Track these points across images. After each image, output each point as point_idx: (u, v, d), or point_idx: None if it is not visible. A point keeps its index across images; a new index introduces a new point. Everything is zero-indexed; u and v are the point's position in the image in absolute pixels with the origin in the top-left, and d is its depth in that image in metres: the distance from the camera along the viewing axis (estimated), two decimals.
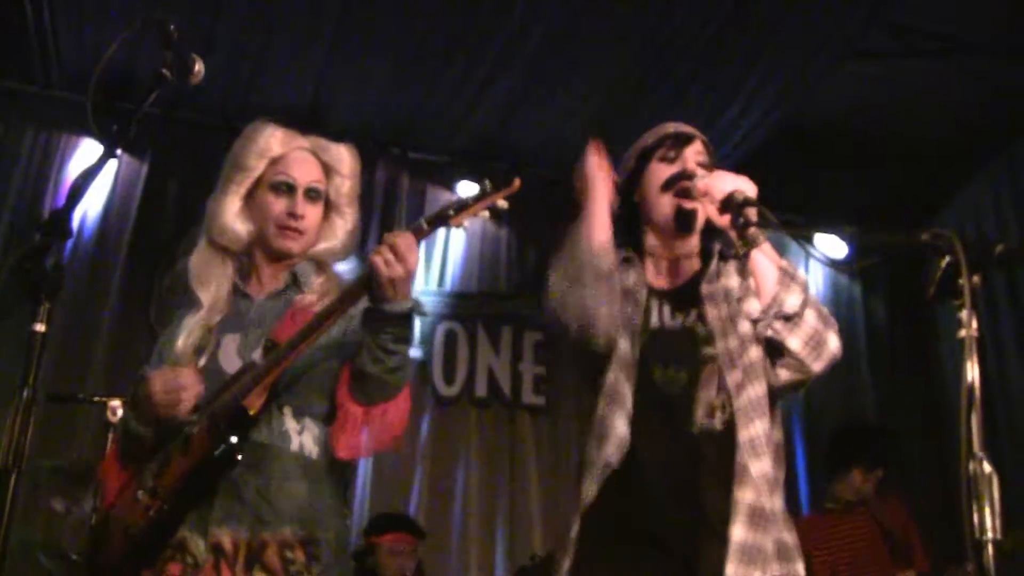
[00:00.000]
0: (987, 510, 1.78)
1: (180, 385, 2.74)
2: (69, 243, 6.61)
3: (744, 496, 2.70)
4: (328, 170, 3.03)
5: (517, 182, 2.64)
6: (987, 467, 1.80)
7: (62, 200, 2.23)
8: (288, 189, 2.94)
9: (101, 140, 2.32)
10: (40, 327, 2.10)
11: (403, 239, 2.60)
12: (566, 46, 6.32)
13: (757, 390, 2.81)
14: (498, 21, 6.14)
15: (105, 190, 7.06)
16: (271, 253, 2.99)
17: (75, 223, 2.22)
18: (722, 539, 2.66)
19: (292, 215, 2.93)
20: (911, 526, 5.84)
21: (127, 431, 2.91)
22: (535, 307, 7.31)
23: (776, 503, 2.77)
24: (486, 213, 2.68)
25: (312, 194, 2.97)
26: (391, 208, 7.61)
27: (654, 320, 2.93)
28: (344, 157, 3.06)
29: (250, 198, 3.00)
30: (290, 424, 2.79)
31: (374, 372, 2.68)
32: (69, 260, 6.79)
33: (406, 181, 7.76)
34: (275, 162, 2.97)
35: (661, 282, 3.04)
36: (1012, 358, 7.23)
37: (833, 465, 5.94)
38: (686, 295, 2.97)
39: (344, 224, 3.07)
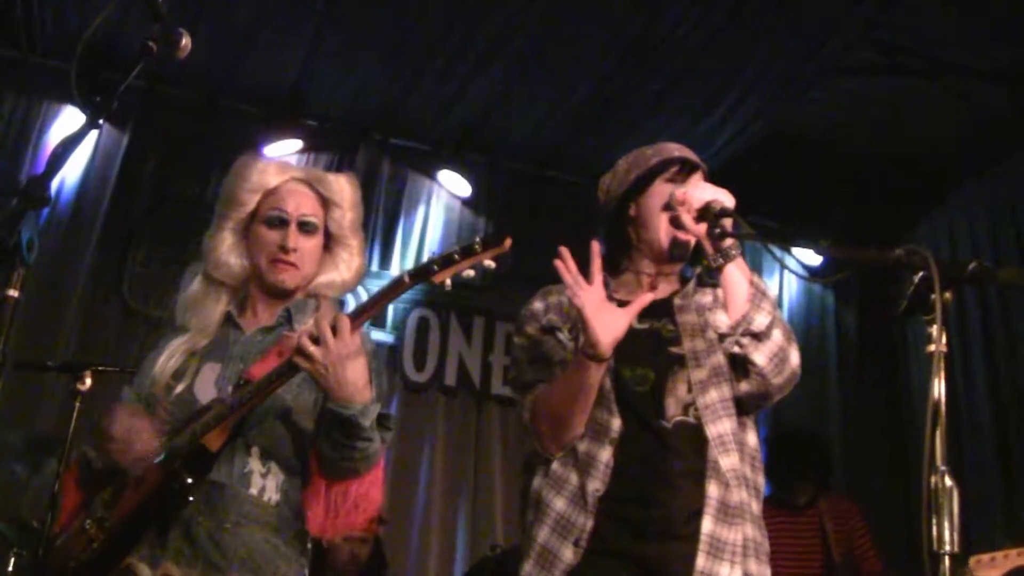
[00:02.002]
0: (946, 523, 1.80)
1: (133, 439, 2.69)
2: (44, 211, 6.57)
3: (714, 490, 2.76)
4: (326, 202, 2.98)
5: (507, 242, 2.51)
6: (948, 481, 1.82)
7: (41, 167, 2.22)
8: (281, 222, 2.90)
9: (84, 109, 2.30)
10: (13, 293, 2.08)
11: (336, 325, 2.51)
12: (553, 42, 6.32)
13: (723, 392, 2.86)
14: (487, 13, 6.13)
15: (84, 159, 7.02)
16: (266, 288, 2.94)
17: (52, 191, 2.21)
18: (689, 535, 2.72)
19: (284, 248, 2.87)
20: (861, 532, 5.91)
21: (83, 455, 2.87)
22: (508, 300, 7.33)
23: (747, 500, 2.82)
24: (471, 272, 2.54)
25: (306, 227, 2.92)
26: (370, 194, 7.58)
27: None
28: (344, 188, 3.01)
29: (245, 232, 2.95)
30: (255, 465, 2.73)
31: (330, 455, 2.63)
32: (44, 227, 6.75)
33: (387, 167, 7.75)
34: (268, 195, 2.93)
35: (635, 296, 2.99)
36: (979, 374, 7.28)
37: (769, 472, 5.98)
38: (659, 306, 2.99)
39: (349, 257, 3.02)
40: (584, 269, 2.85)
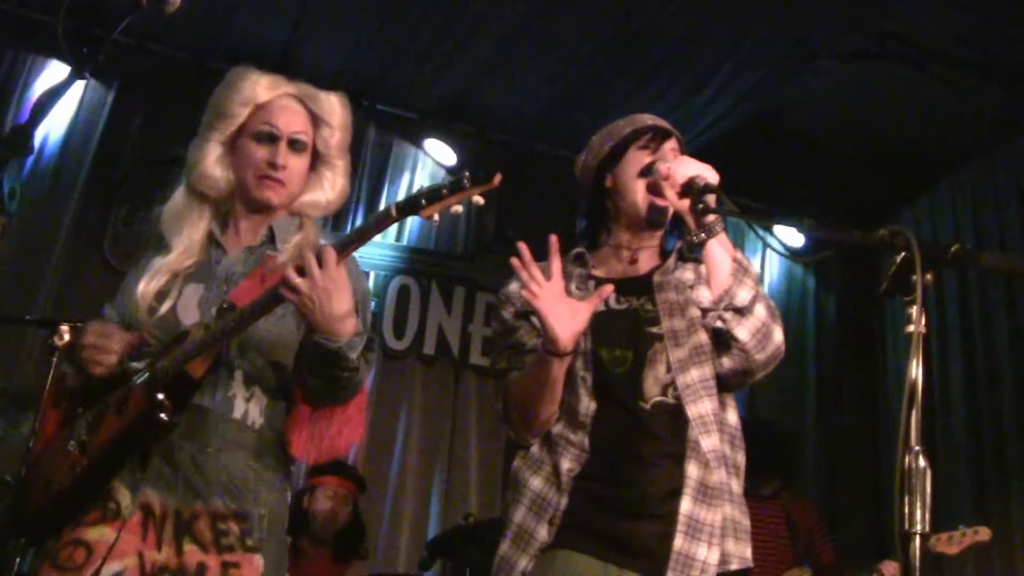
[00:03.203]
0: (918, 503, 1.81)
1: (103, 347, 2.70)
2: (28, 162, 6.53)
3: (693, 471, 2.75)
4: (316, 120, 2.92)
5: (497, 179, 2.42)
6: (922, 462, 1.82)
7: (25, 117, 2.20)
8: (271, 138, 2.83)
9: (70, 63, 2.28)
10: None
11: (322, 256, 2.45)
12: (546, 15, 6.30)
13: (704, 371, 2.85)
14: None
15: (68, 114, 6.97)
16: (251, 204, 2.88)
17: (36, 142, 2.19)
18: (665, 515, 2.72)
19: (273, 165, 2.82)
20: (818, 526, 6.11)
21: (63, 374, 2.87)
22: (490, 271, 7.33)
23: (727, 480, 2.82)
24: (459, 207, 2.44)
25: (296, 145, 2.86)
26: (356, 160, 7.48)
27: (599, 305, 2.86)
28: (335, 108, 2.94)
29: (232, 145, 2.89)
30: (238, 390, 2.71)
31: (314, 385, 2.61)
32: (26, 180, 6.69)
33: (372, 133, 7.72)
34: (259, 109, 2.86)
35: (615, 272, 3.03)
36: (954, 359, 7.32)
37: None
38: (638, 284, 2.99)
39: (333, 177, 2.96)
40: (568, 247, 2.84)
